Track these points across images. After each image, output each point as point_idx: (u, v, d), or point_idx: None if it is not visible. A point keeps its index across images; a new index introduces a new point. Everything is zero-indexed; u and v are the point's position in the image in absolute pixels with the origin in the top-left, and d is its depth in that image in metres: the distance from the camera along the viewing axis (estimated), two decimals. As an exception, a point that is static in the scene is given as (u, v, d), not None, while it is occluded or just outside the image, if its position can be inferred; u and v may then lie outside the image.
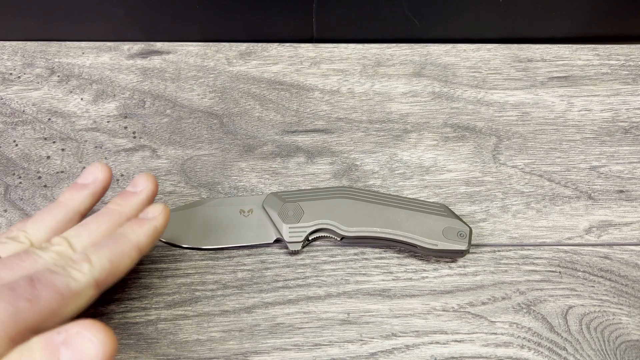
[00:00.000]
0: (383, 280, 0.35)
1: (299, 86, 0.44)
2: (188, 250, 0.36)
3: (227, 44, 0.46)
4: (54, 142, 0.41)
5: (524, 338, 0.34)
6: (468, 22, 0.47)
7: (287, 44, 0.46)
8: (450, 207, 0.37)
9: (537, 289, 0.35)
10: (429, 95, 0.43)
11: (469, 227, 0.35)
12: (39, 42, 0.46)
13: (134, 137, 0.41)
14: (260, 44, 0.46)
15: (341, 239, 0.36)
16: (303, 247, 0.36)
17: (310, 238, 0.36)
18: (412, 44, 0.46)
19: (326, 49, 0.46)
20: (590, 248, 0.37)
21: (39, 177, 0.39)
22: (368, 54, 0.45)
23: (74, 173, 0.40)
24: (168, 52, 0.45)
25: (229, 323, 0.34)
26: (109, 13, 0.45)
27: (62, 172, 0.40)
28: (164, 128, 0.42)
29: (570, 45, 0.46)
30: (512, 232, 0.37)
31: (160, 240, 0.37)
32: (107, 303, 0.34)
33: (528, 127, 0.42)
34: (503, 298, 0.35)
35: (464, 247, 0.35)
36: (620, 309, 0.34)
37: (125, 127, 0.42)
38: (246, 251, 0.36)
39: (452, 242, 0.35)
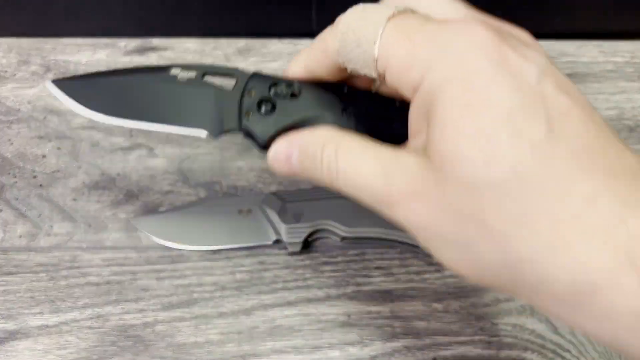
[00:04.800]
0: (384, 282, 0.35)
1: (299, 83, 0.43)
2: (185, 251, 0.36)
3: (225, 40, 0.45)
4: (49, 141, 0.40)
5: (527, 340, 0.33)
6: (470, 17, 0.47)
7: (287, 40, 0.45)
8: (452, 207, 0.37)
9: (541, 290, 0.35)
10: (430, 93, 0.43)
11: (471, 227, 0.35)
12: (34, 39, 0.45)
13: (131, 136, 0.41)
14: (259, 40, 0.45)
15: (341, 239, 0.35)
16: (303, 247, 0.35)
17: (310, 239, 0.35)
18: (414, 40, 0.45)
19: (326, 45, 0.45)
20: (594, 248, 0.36)
21: (35, 177, 0.39)
22: (369, 51, 0.45)
23: (69, 172, 0.39)
24: (165, 49, 0.45)
25: (228, 325, 0.34)
26: (105, 9, 0.45)
27: (57, 171, 0.39)
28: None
29: (574, 41, 0.45)
30: (516, 232, 0.37)
31: (158, 241, 0.36)
32: (103, 305, 0.34)
33: (531, 125, 0.41)
34: (506, 299, 0.34)
35: (466, 248, 0.34)
36: (625, 310, 0.34)
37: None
38: (245, 252, 0.36)
39: (454, 243, 0.34)
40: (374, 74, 0.24)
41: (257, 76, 0.29)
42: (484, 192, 0.20)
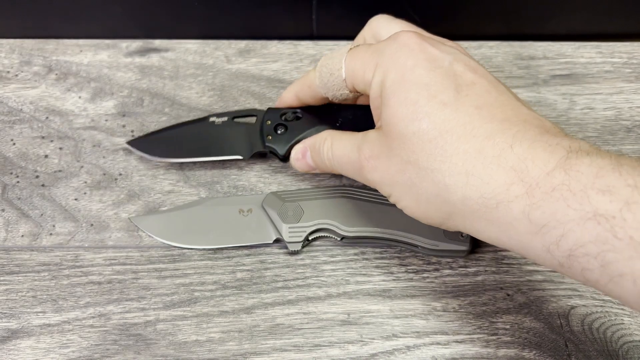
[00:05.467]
0: (384, 281, 0.35)
1: (299, 84, 0.43)
2: (187, 250, 0.36)
3: (226, 42, 0.45)
4: (51, 141, 0.41)
5: (526, 339, 0.33)
6: (469, 19, 0.47)
7: (287, 41, 0.45)
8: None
9: (539, 289, 0.35)
10: (430, 93, 0.43)
11: (470, 227, 0.35)
12: (37, 40, 0.45)
13: (132, 136, 0.41)
14: (259, 41, 0.45)
15: (341, 239, 0.36)
16: (303, 247, 0.36)
17: (310, 238, 0.36)
18: (413, 42, 0.46)
19: (326, 46, 0.45)
20: (592, 248, 0.36)
21: (37, 177, 0.39)
22: (368, 52, 0.45)
23: (71, 172, 0.39)
24: (166, 50, 0.45)
25: (228, 324, 0.34)
26: (106, 10, 0.45)
27: (59, 171, 0.39)
28: (162, 126, 0.41)
29: (572, 42, 0.45)
30: (514, 232, 0.37)
31: (159, 240, 0.36)
32: (105, 304, 0.34)
33: (530, 125, 0.41)
34: (504, 298, 0.35)
35: (465, 247, 0.35)
36: (622, 309, 0.34)
37: (124, 126, 0.41)
38: (245, 251, 0.36)
39: (453, 242, 0.34)
40: (346, 91, 0.33)
41: (270, 110, 0.38)
42: (414, 140, 0.28)
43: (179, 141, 0.38)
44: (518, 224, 0.25)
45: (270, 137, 0.37)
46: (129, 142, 0.39)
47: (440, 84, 0.28)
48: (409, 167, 0.28)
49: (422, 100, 0.28)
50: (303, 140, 0.36)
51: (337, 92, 0.34)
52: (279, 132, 0.37)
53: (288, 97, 0.37)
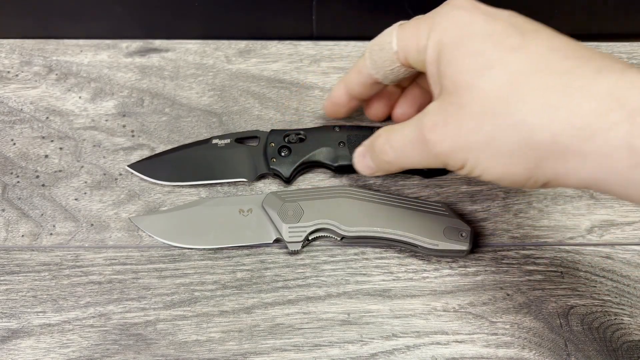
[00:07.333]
0: (384, 281, 0.35)
1: (299, 84, 0.43)
2: (187, 250, 0.36)
3: (226, 42, 0.45)
4: (52, 141, 0.41)
5: (525, 338, 0.33)
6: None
7: (287, 42, 0.45)
8: (451, 207, 0.37)
9: (539, 289, 0.35)
10: (429, 94, 0.43)
11: (470, 227, 0.35)
12: (37, 40, 0.45)
13: (133, 136, 0.41)
14: (259, 42, 0.45)
15: (341, 238, 0.36)
16: (303, 247, 0.36)
17: (310, 238, 0.36)
18: (413, 42, 0.46)
19: (326, 46, 0.45)
20: (592, 248, 0.37)
21: (37, 177, 0.39)
22: (368, 52, 0.45)
23: (72, 172, 0.39)
24: (167, 50, 0.45)
25: (228, 323, 0.34)
26: (107, 10, 0.45)
27: (60, 171, 0.39)
28: (162, 126, 0.41)
29: (572, 42, 0.46)
30: (514, 232, 0.37)
31: (159, 240, 0.36)
32: (105, 303, 0.34)
33: (530, 125, 0.42)
34: (504, 298, 0.35)
35: (465, 247, 0.35)
36: (622, 309, 0.34)
37: (124, 126, 0.41)
38: (245, 251, 0.36)
39: (453, 242, 0.34)
40: (398, 64, 0.32)
41: (274, 132, 0.39)
42: (487, 88, 0.26)
43: (182, 164, 0.38)
44: (618, 156, 0.23)
45: (274, 160, 0.37)
46: (130, 166, 0.39)
47: (504, 32, 0.27)
48: (485, 120, 0.26)
49: (489, 49, 0.27)
50: (363, 143, 0.34)
51: (388, 68, 0.32)
52: (282, 154, 0.37)
53: (337, 93, 0.36)
